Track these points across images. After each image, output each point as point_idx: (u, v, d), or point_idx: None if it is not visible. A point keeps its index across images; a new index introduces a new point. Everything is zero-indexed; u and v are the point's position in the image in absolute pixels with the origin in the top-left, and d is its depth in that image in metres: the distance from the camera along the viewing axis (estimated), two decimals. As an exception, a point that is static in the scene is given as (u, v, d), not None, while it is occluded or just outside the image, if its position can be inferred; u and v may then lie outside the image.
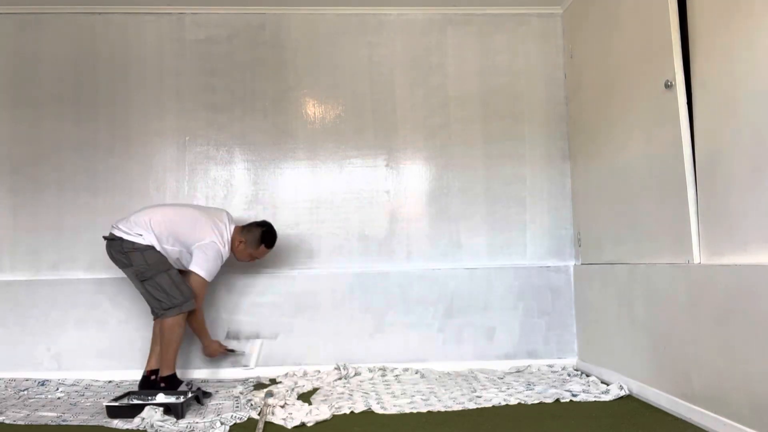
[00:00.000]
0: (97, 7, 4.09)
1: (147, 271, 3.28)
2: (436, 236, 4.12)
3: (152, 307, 3.38)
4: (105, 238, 3.39)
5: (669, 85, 2.88)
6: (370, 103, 4.18)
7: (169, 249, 3.35)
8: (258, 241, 3.59)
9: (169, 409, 2.88)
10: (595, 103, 3.76)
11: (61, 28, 4.10)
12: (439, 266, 4.08)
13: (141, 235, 3.29)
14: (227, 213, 3.63)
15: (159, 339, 3.39)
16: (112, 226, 3.39)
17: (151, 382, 3.38)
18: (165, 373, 3.32)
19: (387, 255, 4.09)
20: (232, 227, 3.54)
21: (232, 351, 3.83)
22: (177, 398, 3.01)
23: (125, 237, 3.30)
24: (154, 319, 3.46)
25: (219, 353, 3.73)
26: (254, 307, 3.98)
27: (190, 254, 3.38)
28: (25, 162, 4.02)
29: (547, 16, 4.25)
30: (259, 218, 4.06)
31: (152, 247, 3.30)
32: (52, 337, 3.87)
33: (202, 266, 3.35)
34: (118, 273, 3.92)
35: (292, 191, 4.12)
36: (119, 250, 3.32)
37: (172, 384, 3.29)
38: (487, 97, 4.20)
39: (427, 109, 4.19)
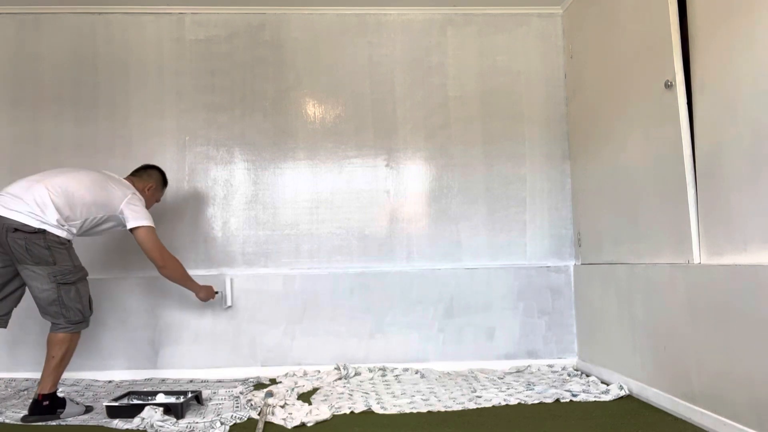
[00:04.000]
0: (97, 7, 4.09)
1: (72, 274, 2.96)
2: (436, 236, 4.12)
3: (49, 314, 2.96)
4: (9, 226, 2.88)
5: (669, 85, 2.88)
6: (370, 103, 4.18)
7: (80, 217, 3.02)
8: (162, 182, 3.56)
9: (169, 409, 2.88)
10: (595, 103, 3.76)
11: (61, 28, 4.10)
12: (439, 266, 4.08)
13: (54, 224, 2.91)
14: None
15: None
16: (9, 210, 2.89)
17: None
18: (49, 389, 2.94)
19: (387, 255, 4.09)
20: (127, 181, 3.35)
21: (217, 293, 3.81)
22: (177, 398, 3.01)
23: (50, 230, 2.90)
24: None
25: (211, 297, 3.70)
26: (255, 307, 3.98)
27: (120, 215, 3.14)
28: (25, 162, 4.01)
29: (547, 16, 4.25)
30: (260, 218, 4.07)
31: (70, 241, 3.00)
32: (52, 337, 3.87)
33: (143, 217, 3.17)
34: (119, 273, 3.94)
35: (292, 191, 4.12)
36: (43, 245, 2.88)
37: (55, 402, 2.94)
38: (487, 97, 4.20)
39: (427, 109, 4.19)
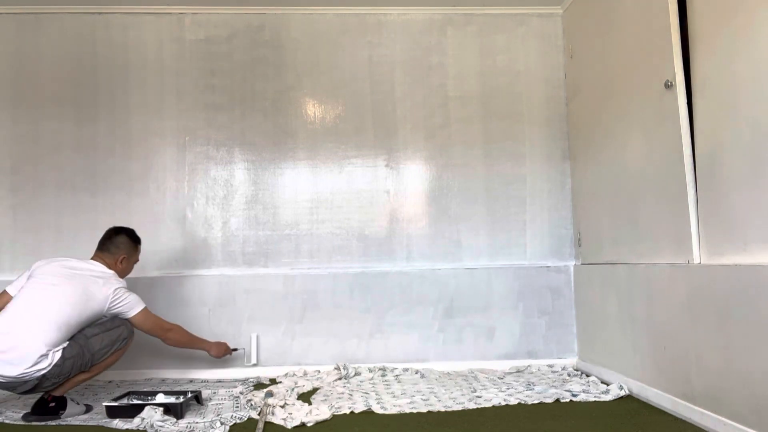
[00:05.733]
0: (97, 7, 4.09)
1: (61, 371, 2.86)
2: (436, 236, 4.13)
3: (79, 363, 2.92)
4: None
5: (669, 85, 2.88)
6: (370, 103, 4.18)
7: (67, 336, 2.90)
8: (132, 245, 3.29)
9: (169, 409, 2.88)
10: (595, 103, 3.76)
11: (61, 28, 4.10)
12: (439, 266, 4.08)
13: (37, 363, 2.78)
14: (73, 258, 3.14)
15: None
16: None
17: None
18: (61, 394, 2.95)
19: (387, 255, 4.10)
20: (98, 261, 3.15)
21: (235, 350, 3.79)
22: (177, 398, 3.01)
23: (44, 371, 2.79)
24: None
25: (226, 353, 3.68)
26: (255, 307, 3.98)
27: (114, 312, 3.05)
28: (25, 162, 4.02)
29: (547, 16, 4.26)
30: (260, 218, 4.07)
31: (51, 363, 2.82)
32: (52, 337, 3.86)
33: (134, 305, 3.09)
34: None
35: (292, 191, 4.12)
36: (30, 386, 2.82)
37: (58, 404, 2.94)
38: (487, 97, 4.20)
39: (427, 109, 4.19)
